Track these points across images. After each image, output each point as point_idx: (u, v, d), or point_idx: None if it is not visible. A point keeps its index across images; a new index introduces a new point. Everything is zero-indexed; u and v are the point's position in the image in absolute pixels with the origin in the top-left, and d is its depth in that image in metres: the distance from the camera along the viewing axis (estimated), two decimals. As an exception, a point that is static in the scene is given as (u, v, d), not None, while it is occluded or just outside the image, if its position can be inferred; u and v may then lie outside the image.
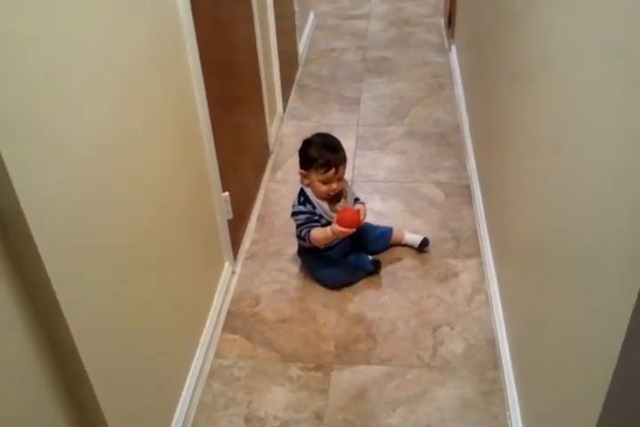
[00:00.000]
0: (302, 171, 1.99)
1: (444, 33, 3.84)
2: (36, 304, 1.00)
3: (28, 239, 0.94)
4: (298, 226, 2.00)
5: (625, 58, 0.93)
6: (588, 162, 1.09)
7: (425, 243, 2.17)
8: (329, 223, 1.95)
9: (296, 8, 3.50)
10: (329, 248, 2.04)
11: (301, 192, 2.00)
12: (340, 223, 1.89)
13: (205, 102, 1.80)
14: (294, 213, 2.00)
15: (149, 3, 1.42)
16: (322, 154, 1.91)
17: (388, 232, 2.18)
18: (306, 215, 1.97)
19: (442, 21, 4.01)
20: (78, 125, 1.09)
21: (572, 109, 1.20)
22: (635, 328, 0.89)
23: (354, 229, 1.90)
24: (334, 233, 1.91)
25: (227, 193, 2.01)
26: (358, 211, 1.93)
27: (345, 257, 2.09)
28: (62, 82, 1.04)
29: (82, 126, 1.10)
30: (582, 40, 1.14)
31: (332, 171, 1.91)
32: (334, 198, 1.98)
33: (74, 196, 1.07)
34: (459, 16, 3.37)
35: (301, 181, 2.01)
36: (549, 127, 1.38)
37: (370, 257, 2.10)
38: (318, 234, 1.94)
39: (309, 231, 1.95)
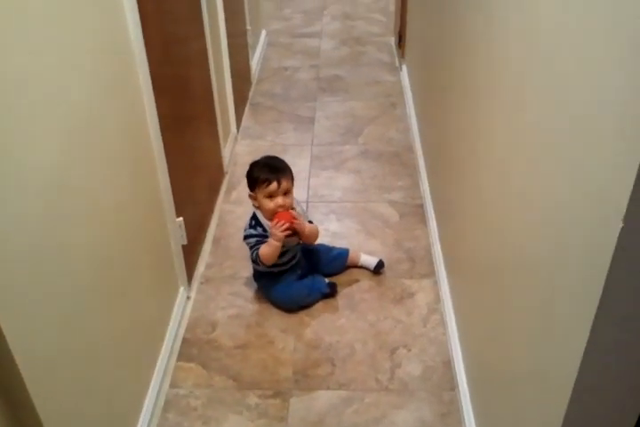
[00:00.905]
0: (250, 193, 2.01)
1: (395, 52, 3.91)
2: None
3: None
4: (250, 248, 1.99)
5: (576, 78, 0.96)
6: (541, 180, 1.11)
7: (380, 265, 2.18)
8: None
9: (248, 26, 3.50)
10: (283, 271, 2.04)
11: (253, 216, 2.01)
12: (273, 225, 1.91)
13: (157, 124, 1.78)
14: (245, 237, 2.01)
15: (97, 22, 1.39)
16: (263, 171, 1.96)
17: (344, 254, 2.19)
18: (256, 238, 1.97)
19: (392, 40, 4.07)
20: (28, 157, 1.06)
21: (524, 128, 1.22)
22: (592, 348, 0.91)
23: (287, 223, 1.91)
24: (274, 236, 1.92)
25: (181, 218, 1.98)
26: (290, 213, 1.95)
27: (301, 279, 2.08)
28: (8, 113, 1.00)
29: (32, 158, 1.07)
30: (534, 60, 1.17)
31: (275, 184, 1.93)
32: None
33: (26, 227, 1.04)
34: (409, 35, 3.43)
35: (253, 205, 2.01)
36: (500, 145, 1.40)
37: (326, 280, 2.10)
38: (265, 249, 1.94)
39: (258, 254, 1.95)
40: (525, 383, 1.22)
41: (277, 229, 1.91)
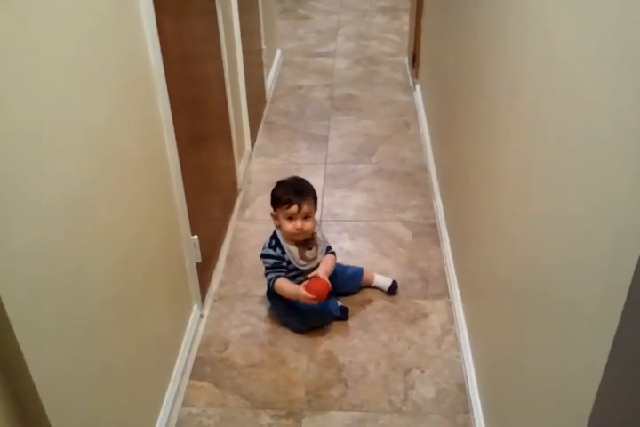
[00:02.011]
0: (272, 211, 2.00)
1: (409, 72, 3.93)
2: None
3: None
4: (265, 269, 1.99)
5: (595, 98, 0.96)
6: (559, 202, 1.11)
7: (394, 287, 2.18)
8: (296, 270, 1.97)
9: (263, 46, 3.54)
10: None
11: (274, 235, 2.01)
12: (308, 290, 1.90)
13: (175, 143, 1.80)
14: (263, 256, 2.00)
15: (118, 42, 1.41)
16: (286, 191, 1.96)
17: (359, 273, 2.18)
18: (274, 260, 1.97)
19: (406, 60, 4.11)
20: (47, 175, 1.07)
21: (541, 149, 1.22)
22: (611, 374, 0.90)
23: (316, 302, 1.91)
24: (299, 297, 1.91)
25: (195, 236, 1.99)
26: (328, 284, 1.93)
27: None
28: (33, 137, 1.02)
29: (55, 178, 1.09)
30: (553, 80, 1.17)
31: (295, 207, 1.93)
32: (304, 245, 1.98)
33: (45, 248, 1.05)
34: (423, 55, 3.46)
35: (274, 223, 2.01)
36: (517, 165, 1.40)
37: (339, 303, 2.09)
38: (285, 286, 1.95)
39: (276, 278, 1.96)
40: (542, 409, 1.21)
41: (308, 299, 1.89)
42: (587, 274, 0.97)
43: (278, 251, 1.97)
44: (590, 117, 0.97)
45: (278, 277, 1.95)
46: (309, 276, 1.97)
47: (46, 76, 1.07)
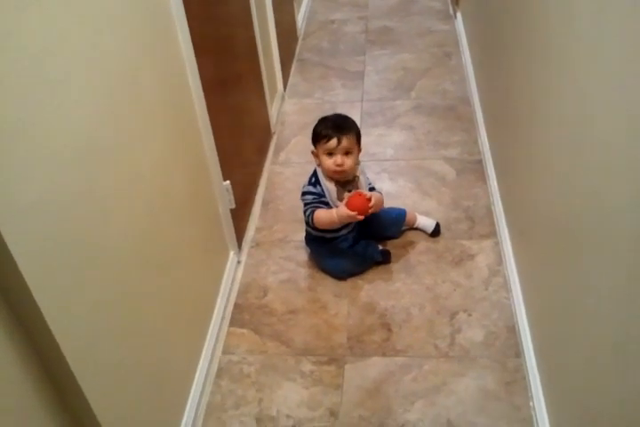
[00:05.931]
0: (313, 149, 1.91)
1: (449, -1, 3.68)
2: (21, 317, 0.93)
3: (3, 247, 0.86)
4: (304, 205, 1.90)
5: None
6: (619, 129, 1.00)
7: (437, 229, 2.08)
8: None
9: (292, -22, 3.34)
10: (335, 237, 1.95)
11: (314, 173, 1.91)
12: (348, 206, 1.79)
13: (199, 84, 1.69)
14: (303, 193, 1.91)
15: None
16: (326, 126, 1.86)
17: (402, 216, 2.08)
18: (313, 196, 1.88)
19: (446, -14, 3.83)
20: (65, 122, 0.99)
21: (601, 73, 1.09)
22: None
23: (361, 217, 1.80)
24: (340, 217, 1.81)
25: (228, 182, 1.91)
26: (370, 198, 1.81)
27: (353, 246, 1.98)
28: (45, 78, 0.94)
29: (69, 123, 1.01)
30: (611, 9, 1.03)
31: (334, 141, 1.82)
32: (344, 186, 1.88)
33: (61, 198, 0.99)
34: (464, -20, 3.21)
35: (315, 162, 1.92)
36: (575, 95, 1.26)
37: (380, 246, 2.00)
38: (323, 216, 1.85)
39: (313, 212, 1.86)
40: (599, 351, 1.12)
41: (350, 215, 1.78)
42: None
43: (318, 188, 1.88)
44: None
45: (315, 210, 1.86)
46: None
47: (57, 9, 0.97)
